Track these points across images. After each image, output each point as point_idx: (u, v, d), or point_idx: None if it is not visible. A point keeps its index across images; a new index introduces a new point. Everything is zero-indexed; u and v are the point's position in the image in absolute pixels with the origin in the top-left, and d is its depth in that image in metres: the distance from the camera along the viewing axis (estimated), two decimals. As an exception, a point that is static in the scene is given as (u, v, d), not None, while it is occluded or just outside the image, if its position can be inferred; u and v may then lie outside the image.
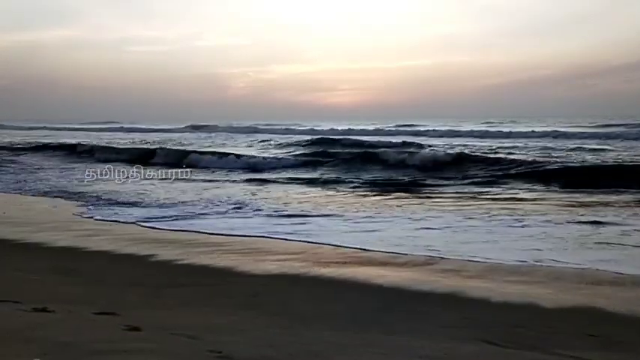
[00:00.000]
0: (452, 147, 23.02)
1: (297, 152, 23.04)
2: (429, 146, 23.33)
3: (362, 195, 12.42)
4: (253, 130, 45.33)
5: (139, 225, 8.82)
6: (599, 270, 6.03)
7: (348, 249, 7.14)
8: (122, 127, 57.30)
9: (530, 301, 5.08)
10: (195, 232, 8.28)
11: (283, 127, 48.18)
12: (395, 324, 4.21)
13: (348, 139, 28.03)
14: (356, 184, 14.23)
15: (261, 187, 13.73)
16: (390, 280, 5.77)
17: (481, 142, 28.02)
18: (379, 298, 5.17)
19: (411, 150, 20.57)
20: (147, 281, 5.62)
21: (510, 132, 34.18)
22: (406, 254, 6.79)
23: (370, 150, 20.86)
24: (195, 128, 51.86)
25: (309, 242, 7.55)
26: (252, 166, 18.79)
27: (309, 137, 29.82)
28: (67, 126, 61.03)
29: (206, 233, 8.16)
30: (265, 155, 21.66)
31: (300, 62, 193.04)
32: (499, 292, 5.33)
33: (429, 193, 12.59)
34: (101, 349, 2.86)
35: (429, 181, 14.38)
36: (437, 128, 40.44)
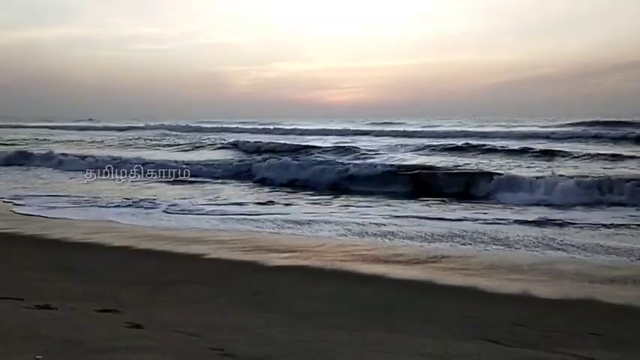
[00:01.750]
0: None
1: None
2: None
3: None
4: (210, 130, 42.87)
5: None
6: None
7: (349, 246, 7.14)
8: (76, 126, 55.89)
9: (531, 299, 5.08)
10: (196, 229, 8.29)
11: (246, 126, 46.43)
12: (396, 322, 4.20)
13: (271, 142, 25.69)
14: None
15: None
16: (392, 277, 5.77)
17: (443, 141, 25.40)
18: (380, 295, 5.17)
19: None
20: (148, 279, 5.62)
21: (491, 132, 32.00)
22: (406, 253, 6.80)
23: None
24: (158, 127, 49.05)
25: (311, 238, 7.57)
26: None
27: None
28: (21, 124, 59.20)
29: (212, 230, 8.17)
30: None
31: (301, 60, 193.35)
32: (500, 290, 5.34)
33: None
34: (103, 346, 2.87)
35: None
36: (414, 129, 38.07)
